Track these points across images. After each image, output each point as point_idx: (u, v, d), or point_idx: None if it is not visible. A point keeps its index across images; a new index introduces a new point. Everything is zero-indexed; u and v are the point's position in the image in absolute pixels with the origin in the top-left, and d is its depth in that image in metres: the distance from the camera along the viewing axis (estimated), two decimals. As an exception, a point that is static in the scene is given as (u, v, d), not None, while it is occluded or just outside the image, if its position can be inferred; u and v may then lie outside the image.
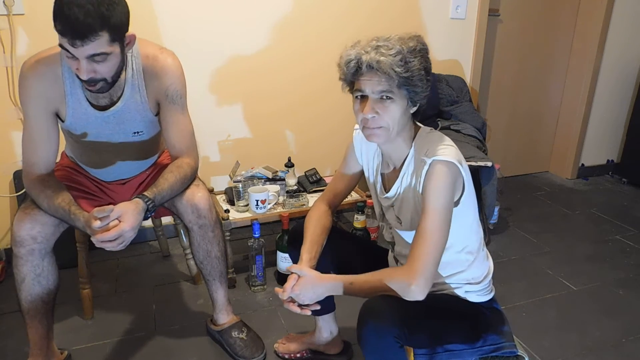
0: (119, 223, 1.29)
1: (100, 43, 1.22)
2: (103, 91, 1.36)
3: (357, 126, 1.38)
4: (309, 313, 1.25)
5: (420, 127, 1.24)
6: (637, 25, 3.18)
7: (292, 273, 1.25)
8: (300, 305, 1.23)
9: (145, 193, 1.39)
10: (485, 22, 2.80)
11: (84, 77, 1.26)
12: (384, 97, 1.12)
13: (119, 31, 1.26)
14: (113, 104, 1.46)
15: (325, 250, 1.37)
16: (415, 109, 1.17)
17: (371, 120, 1.14)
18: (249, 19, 2.31)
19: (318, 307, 1.25)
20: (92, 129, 1.48)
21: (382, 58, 1.07)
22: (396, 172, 1.24)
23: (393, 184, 1.25)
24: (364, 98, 1.14)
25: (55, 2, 1.19)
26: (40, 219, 1.41)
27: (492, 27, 2.93)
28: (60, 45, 1.23)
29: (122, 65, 1.37)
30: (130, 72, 1.44)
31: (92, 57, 1.24)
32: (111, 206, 1.30)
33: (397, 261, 1.37)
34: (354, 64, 1.12)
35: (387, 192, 1.27)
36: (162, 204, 1.46)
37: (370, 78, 1.11)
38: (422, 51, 1.13)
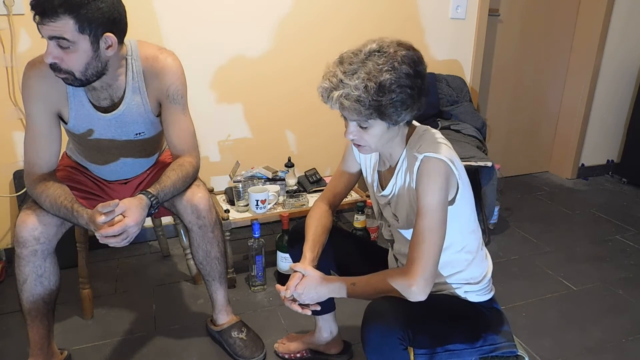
0: (123, 218, 1.29)
1: (62, 26, 1.22)
2: (74, 85, 1.35)
3: None
4: (309, 313, 1.25)
5: (416, 126, 1.24)
6: (637, 25, 3.18)
7: (295, 271, 1.25)
8: (301, 305, 1.23)
9: (149, 189, 1.40)
10: (485, 22, 2.80)
11: (46, 59, 1.27)
12: (360, 125, 1.13)
13: (90, 24, 1.24)
14: (115, 105, 1.46)
15: (326, 249, 1.37)
16: (401, 124, 1.16)
17: (353, 140, 1.17)
18: (251, 21, 2.31)
19: (318, 308, 1.25)
20: (95, 129, 1.49)
21: (346, 103, 1.06)
22: (392, 170, 1.25)
23: (389, 181, 1.25)
24: (345, 118, 1.16)
25: None
26: (43, 220, 1.41)
27: (492, 27, 2.93)
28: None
29: (100, 66, 1.34)
30: (131, 75, 1.44)
31: (57, 41, 1.24)
32: (116, 200, 1.31)
33: (396, 260, 1.37)
34: (324, 98, 1.11)
35: (383, 190, 1.28)
36: (165, 201, 1.46)
37: (340, 110, 1.12)
38: (397, 82, 1.05)
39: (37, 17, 1.22)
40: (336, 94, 1.06)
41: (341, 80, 1.06)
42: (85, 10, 1.22)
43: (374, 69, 1.05)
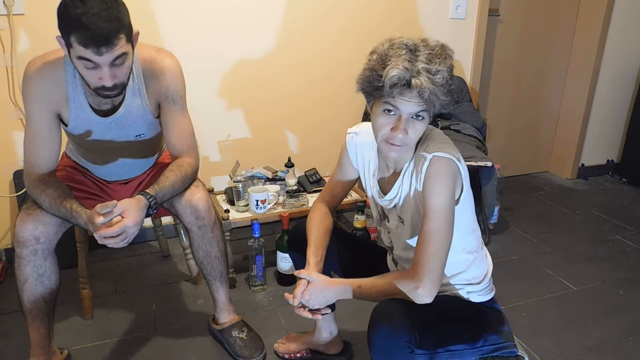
0: (121, 219, 1.29)
1: (121, 44, 1.24)
2: (119, 94, 1.37)
3: (350, 130, 1.36)
4: (320, 318, 1.25)
5: None
6: (637, 26, 3.18)
7: (300, 278, 1.24)
8: (310, 310, 1.23)
9: (147, 190, 1.40)
10: (485, 22, 2.80)
11: (110, 83, 1.27)
12: (416, 117, 1.07)
13: (130, 30, 1.28)
14: (115, 109, 1.46)
15: (327, 251, 1.36)
16: None
17: (399, 139, 1.09)
18: (251, 21, 2.31)
19: (329, 312, 1.25)
20: (94, 131, 1.49)
21: (432, 87, 1.01)
22: (396, 174, 1.23)
23: (392, 185, 1.24)
24: (392, 114, 1.08)
25: (66, 16, 1.19)
26: (43, 219, 1.41)
27: (492, 27, 2.93)
28: (81, 58, 1.23)
29: (132, 65, 1.38)
30: (131, 77, 1.44)
31: (114, 61, 1.25)
32: (114, 201, 1.30)
33: (396, 263, 1.37)
34: (399, 87, 1.02)
35: (385, 195, 1.26)
36: (163, 202, 1.46)
37: (409, 99, 1.04)
38: (453, 69, 1.06)
39: (97, 49, 1.20)
40: (420, 79, 1.00)
41: (428, 71, 1.01)
42: (125, 20, 1.25)
43: (442, 56, 1.03)
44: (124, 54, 1.26)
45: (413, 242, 1.20)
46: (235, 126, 2.47)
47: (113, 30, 1.20)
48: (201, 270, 1.68)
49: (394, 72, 1.01)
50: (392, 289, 1.12)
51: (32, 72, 1.37)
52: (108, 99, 1.42)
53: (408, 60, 1.02)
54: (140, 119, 1.50)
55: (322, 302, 1.21)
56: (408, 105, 1.05)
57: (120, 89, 1.34)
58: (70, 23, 1.18)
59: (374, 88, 1.08)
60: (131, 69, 1.39)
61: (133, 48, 1.34)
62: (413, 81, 1.01)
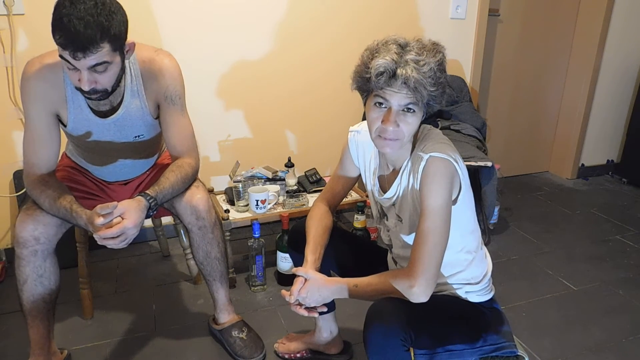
0: (121, 220, 1.29)
1: (102, 54, 1.22)
2: (102, 99, 1.37)
3: (352, 128, 1.37)
4: (317, 315, 1.25)
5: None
6: (637, 25, 3.18)
7: (297, 276, 1.25)
8: (307, 308, 1.24)
9: (147, 191, 1.40)
10: (485, 22, 2.80)
11: (86, 88, 1.26)
12: (407, 110, 1.09)
13: (119, 40, 1.26)
14: (114, 110, 1.46)
15: (326, 250, 1.37)
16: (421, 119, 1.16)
17: (390, 132, 1.10)
18: (251, 21, 2.31)
19: (325, 310, 1.25)
20: (94, 132, 1.49)
21: (418, 76, 1.02)
22: (396, 172, 1.24)
23: (392, 183, 1.24)
24: (383, 107, 1.10)
25: (53, 14, 1.19)
26: (43, 220, 1.41)
27: (492, 27, 2.93)
28: (61, 57, 1.23)
29: (122, 73, 1.38)
30: (129, 78, 1.44)
31: (93, 68, 1.24)
32: (114, 203, 1.30)
33: (395, 262, 1.37)
34: (386, 76, 1.05)
35: (385, 194, 1.27)
36: (163, 203, 1.46)
37: (398, 91, 1.06)
38: (444, 63, 1.09)
39: (73, 53, 1.20)
40: (406, 69, 1.03)
41: (416, 62, 1.03)
42: (114, 30, 1.23)
43: (431, 51, 1.05)
44: (106, 62, 1.25)
45: (411, 240, 1.20)
46: (235, 126, 2.47)
47: (91, 38, 1.18)
48: (201, 271, 1.68)
49: (380, 61, 1.04)
50: (387, 288, 1.13)
51: (31, 73, 1.37)
52: (106, 100, 1.43)
53: (397, 54, 1.05)
54: (140, 120, 1.50)
55: (319, 300, 1.22)
56: (397, 96, 1.07)
57: (102, 94, 1.33)
58: (55, 22, 1.19)
59: (364, 80, 1.10)
60: (123, 74, 1.38)
61: (123, 58, 1.33)
62: (398, 70, 1.04)
